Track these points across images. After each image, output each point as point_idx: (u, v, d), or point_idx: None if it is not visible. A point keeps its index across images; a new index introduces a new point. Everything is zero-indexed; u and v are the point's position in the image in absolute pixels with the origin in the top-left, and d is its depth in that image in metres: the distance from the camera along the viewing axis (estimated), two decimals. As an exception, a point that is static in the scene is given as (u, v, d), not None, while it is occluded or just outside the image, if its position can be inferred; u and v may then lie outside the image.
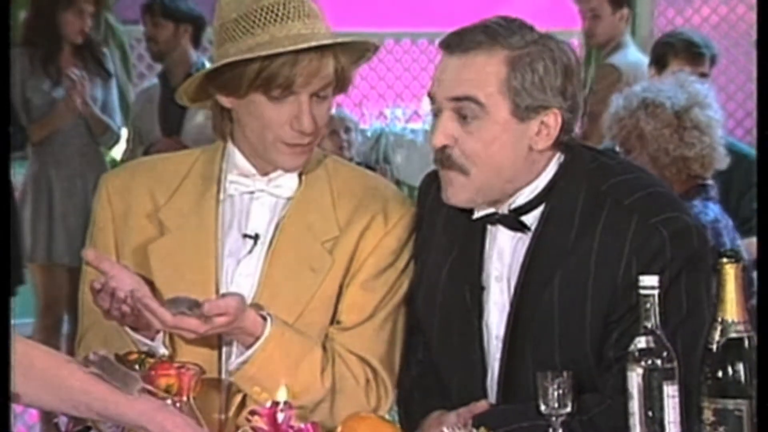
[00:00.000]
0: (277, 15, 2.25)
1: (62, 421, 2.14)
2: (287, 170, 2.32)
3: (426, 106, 7.08)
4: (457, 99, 2.23)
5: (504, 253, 2.30)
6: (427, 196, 2.43)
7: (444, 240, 2.36)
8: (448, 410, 2.28)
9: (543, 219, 2.28)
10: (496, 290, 2.30)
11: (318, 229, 2.30)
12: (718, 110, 3.61)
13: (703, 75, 4.70)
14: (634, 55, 5.54)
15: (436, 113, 2.28)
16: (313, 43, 2.23)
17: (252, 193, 2.34)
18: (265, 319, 2.24)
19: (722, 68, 4.98)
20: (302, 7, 2.27)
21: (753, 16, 7.42)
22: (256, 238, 2.31)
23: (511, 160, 2.25)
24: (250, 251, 2.31)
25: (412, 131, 6.77)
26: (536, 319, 2.25)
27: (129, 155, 5.73)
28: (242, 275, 2.30)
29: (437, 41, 2.31)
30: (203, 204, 2.33)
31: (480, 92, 2.22)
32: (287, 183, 2.33)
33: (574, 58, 2.29)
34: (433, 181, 2.41)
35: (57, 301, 5.44)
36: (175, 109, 5.60)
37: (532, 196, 2.28)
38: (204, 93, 2.35)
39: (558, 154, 2.29)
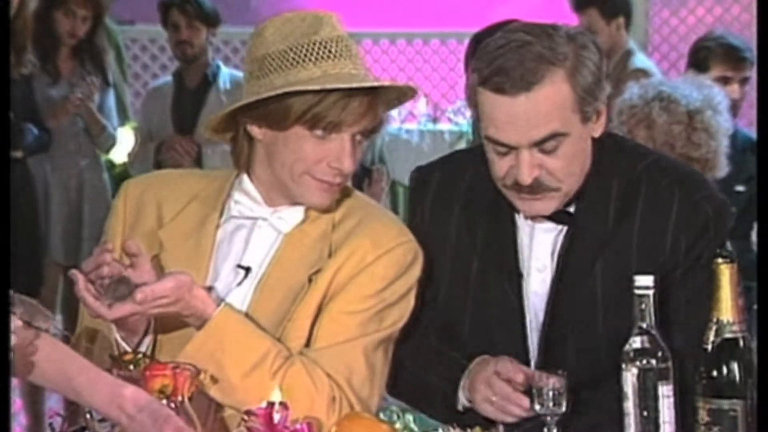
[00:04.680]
0: (330, 51, 2.22)
1: (56, 421, 2.14)
2: (314, 207, 2.28)
3: (421, 106, 7.07)
4: (542, 141, 2.21)
5: (546, 245, 2.31)
6: (427, 191, 2.41)
7: (463, 234, 2.36)
8: None
9: (579, 207, 2.29)
10: (537, 280, 2.31)
11: (308, 261, 2.28)
12: (729, 119, 3.59)
13: (746, 79, 4.64)
14: (643, 62, 5.54)
15: (503, 153, 2.23)
16: (383, 83, 2.22)
17: (255, 220, 2.31)
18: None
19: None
20: (352, 47, 2.26)
21: (748, 17, 7.43)
22: (247, 270, 2.30)
23: (586, 160, 2.28)
24: (240, 283, 2.29)
25: (408, 131, 6.77)
26: (578, 307, 2.25)
27: (137, 152, 5.73)
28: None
29: (483, 81, 2.22)
30: (203, 229, 2.32)
31: (559, 124, 2.20)
32: (291, 216, 2.30)
33: (591, 36, 2.30)
34: (431, 174, 2.41)
35: (50, 301, 5.43)
36: (188, 107, 5.62)
37: (576, 186, 2.30)
38: (229, 122, 2.32)
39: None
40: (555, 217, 2.30)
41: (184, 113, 5.61)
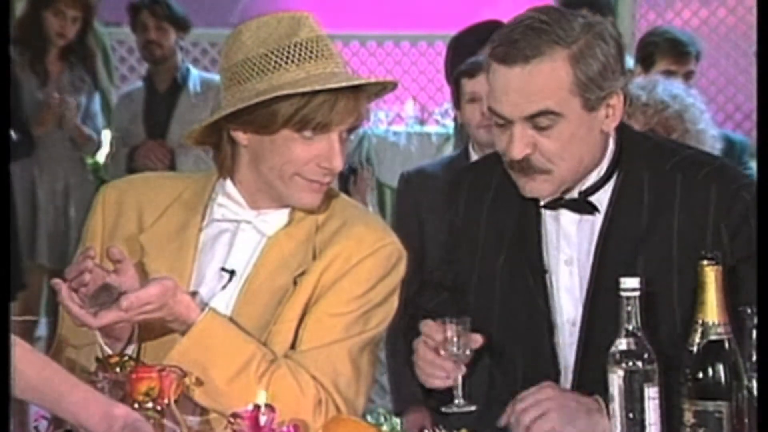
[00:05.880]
0: (311, 52, 2.22)
1: (42, 425, 2.13)
2: (304, 207, 2.28)
3: (408, 109, 7.07)
4: (532, 116, 2.23)
5: (571, 237, 2.32)
6: (459, 192, 2.43)
7: (491, 231, 2.37)
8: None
9: (611, 201, 2.31)
10: (565, 274, 2.32)
11: (293, 263, 2.28)
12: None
13: (690, 73, 4.69)
14: (628, 63, 5.56)
15: (501, 125, 2.26)
16: (369, 80, 2.23)
17: (238, 223, 2.31)
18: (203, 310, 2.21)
19: (702, 71, 5.00)
20: (331, 46, 2.26)
21: (733, 20, 7.45)
22: (232, 273, 2.29)
23: (588, 149, 2.29)
24: (224, 287, 2.29)
25: (395, 134, 6.77)
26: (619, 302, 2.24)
27: (111, 159, 5.73)
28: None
29: (489, 50, 2.26)
30: (185, 232, 2.31)
31: (553, 102, 2.22)
32: (275, 219, 2.30)
33: (616, 30, 2.31)
34: (463, 177, 2.44)
35: (35, 304, 5.41)
36: (160, 111, 5.63)
37: (597, 177, 2.32)
38: (211, 130, 2.30)
39: (613, 134, 2.32)
40: (576, 207, 2.31)
41: (156, 118, 5.62)
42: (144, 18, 5.62)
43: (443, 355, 2.19)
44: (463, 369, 2.19)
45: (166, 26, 5.61)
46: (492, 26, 4.91)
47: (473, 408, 2.19)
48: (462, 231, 2.41)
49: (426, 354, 2.21)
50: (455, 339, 2.18)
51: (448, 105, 6.66)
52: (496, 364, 2.38)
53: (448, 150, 6.08)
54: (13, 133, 5.13)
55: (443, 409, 2.22)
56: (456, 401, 2.19)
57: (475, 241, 2.38)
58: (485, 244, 2.38)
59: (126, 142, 5.65)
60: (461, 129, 4.66)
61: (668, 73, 4.53)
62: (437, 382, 2.22)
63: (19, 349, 2.01)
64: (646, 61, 4.68)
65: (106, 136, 5.84)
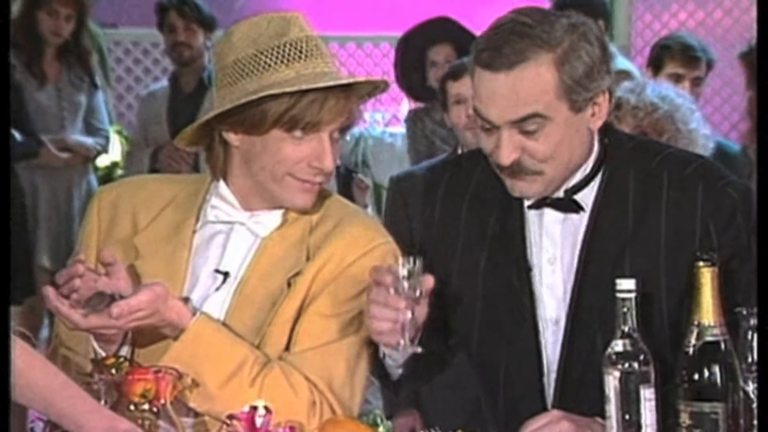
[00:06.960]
0: (301, 52, 2.23)
1: (38, 426, 2.13)
2: (297, 207, 2.29)
3: (405, 110, 7.07)
4: (520, 120, 2.22)
5: (554, 235, 2.31)
6: (436, 190, 2.42)
7: (472, 229, 2.36)
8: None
9: (597, 200, 2.30)
10: (548, 272, 2.31)
11: (287, 264, 2.28)
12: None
13: (698, 79, 4.69)
14: (623, 63, 5.58)
15: (488, 129, 2.25)
16: (358, 79, 2.23)
17: (232, 225, 2.31)
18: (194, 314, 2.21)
19: (699, 72, 5.02)
20: (321, 46, 2.26)
21: (729, 21, 7.46)
22: (225, 275, 2.29)
23: (576, 149, 2.28)
24: (218, 288, 2.29)
25: (391, 135, 6.77)
26: (604, 301, 2.22)
27: (133, 158, 5.71)
28: (208, 310, 2.27)
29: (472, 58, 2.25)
30: (179, 234, 2.31)
31: (540, 106, 2.21)
32: (269, 220, 2.30)
33: (599, 28, 2.30)
34: (440, 176, 2.42)
35: (37, 306, 5.41)
36: (185, 112, 5.60)
37: (582, 176, 2.31)
38: (203, 132, 2.31)
39: (597, 133, 2.32)
40: (562, 206, 2.31)
41: (180, 118, 5.59)
42: (172, 19, 5.59)
43: (394, 293, 2.13)
44: (409, 314, 2.13)
45: (194, 27, 5.58)
46: (439, 24, 4.92)
47: (419, 350, 2.15)
48: (440, 229, 2.39)
49: (378, 294, 2.15)
50: (406, 276, 2.14)
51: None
52: (479, 364, 2.37)
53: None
54: (18, 135, 5.13)
55: (387, 353, 2.18)
56: (401, 342, 2.14)
57: (455, 238, 2.37)
58: (466, 241, 2.36)
59: (149, 142, 5.63)
60: (414, 134, 4.69)
61: (676, 77, 4.52)
62: (384, 325, 2.14)
63: (29, 358, 2.01)
64: (655, 63, 4.68)
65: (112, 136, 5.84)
